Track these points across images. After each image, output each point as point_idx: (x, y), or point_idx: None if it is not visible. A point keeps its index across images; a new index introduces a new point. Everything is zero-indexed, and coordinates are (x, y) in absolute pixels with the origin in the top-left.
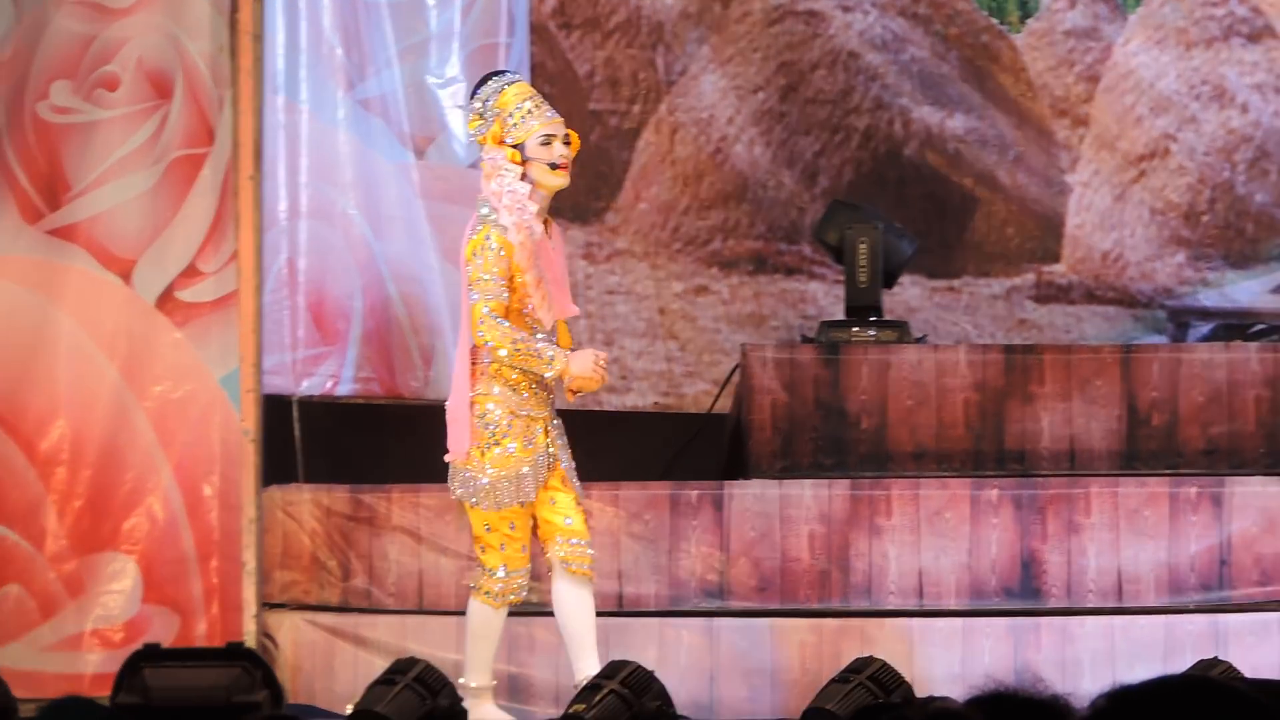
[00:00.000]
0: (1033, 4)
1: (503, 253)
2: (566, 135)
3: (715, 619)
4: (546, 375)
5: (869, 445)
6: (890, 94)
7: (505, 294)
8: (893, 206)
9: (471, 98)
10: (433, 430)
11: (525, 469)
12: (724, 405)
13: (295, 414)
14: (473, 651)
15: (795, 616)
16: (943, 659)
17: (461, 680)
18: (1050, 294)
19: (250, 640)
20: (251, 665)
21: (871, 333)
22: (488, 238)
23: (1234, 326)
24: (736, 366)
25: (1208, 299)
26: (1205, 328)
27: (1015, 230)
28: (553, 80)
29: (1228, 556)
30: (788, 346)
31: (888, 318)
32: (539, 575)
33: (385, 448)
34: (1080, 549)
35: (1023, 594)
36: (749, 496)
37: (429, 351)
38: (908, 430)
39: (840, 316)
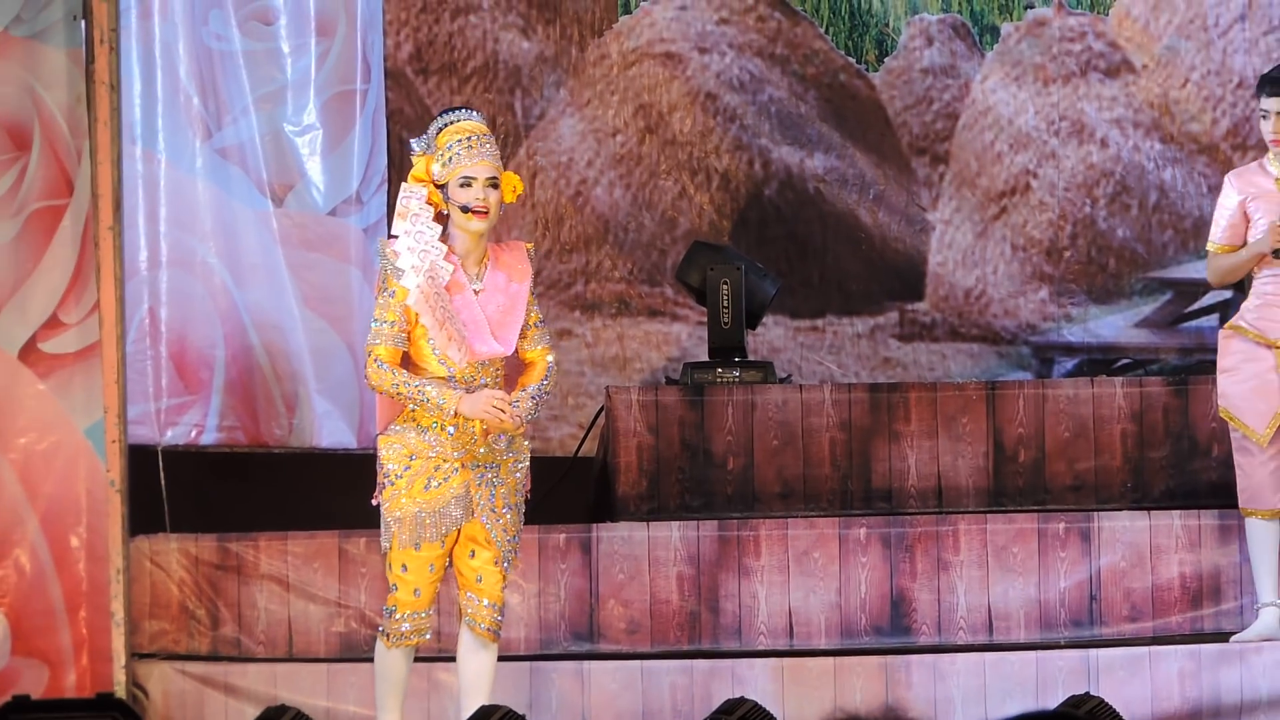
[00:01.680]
0: (890, 42)
1: (395, 295)
2: (494, 179)
3: (586, 662)
4: (448, 414)
5: (736, 486)
6: (749, 134)
7: (398, 339)
8: (754, 247)
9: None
10: (299, 477)
11: (417, 511)
12: (590, 448)
13: (160, 463)
14: (377, 692)
15: (666, 658)
16: (814, 698)
17: None
18: (914, 332)
19: (120, 690)
20: (122, 715)
21: (736, 373)
22: (383, 281)
23: (1098, 361)
24: (601, 409)
25: (1072, 334)
26: (1070, 363)
27: (877, 268)
28: (410, 126)
29: (1097, 591)
30: (652, 388)
31: (752, 358)
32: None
33: (251, 496)
34: (949, 586)
35: (893, 632)
36: (617, 539)
37: (292, 399)
38: (774, 470)
39: (704, 358)
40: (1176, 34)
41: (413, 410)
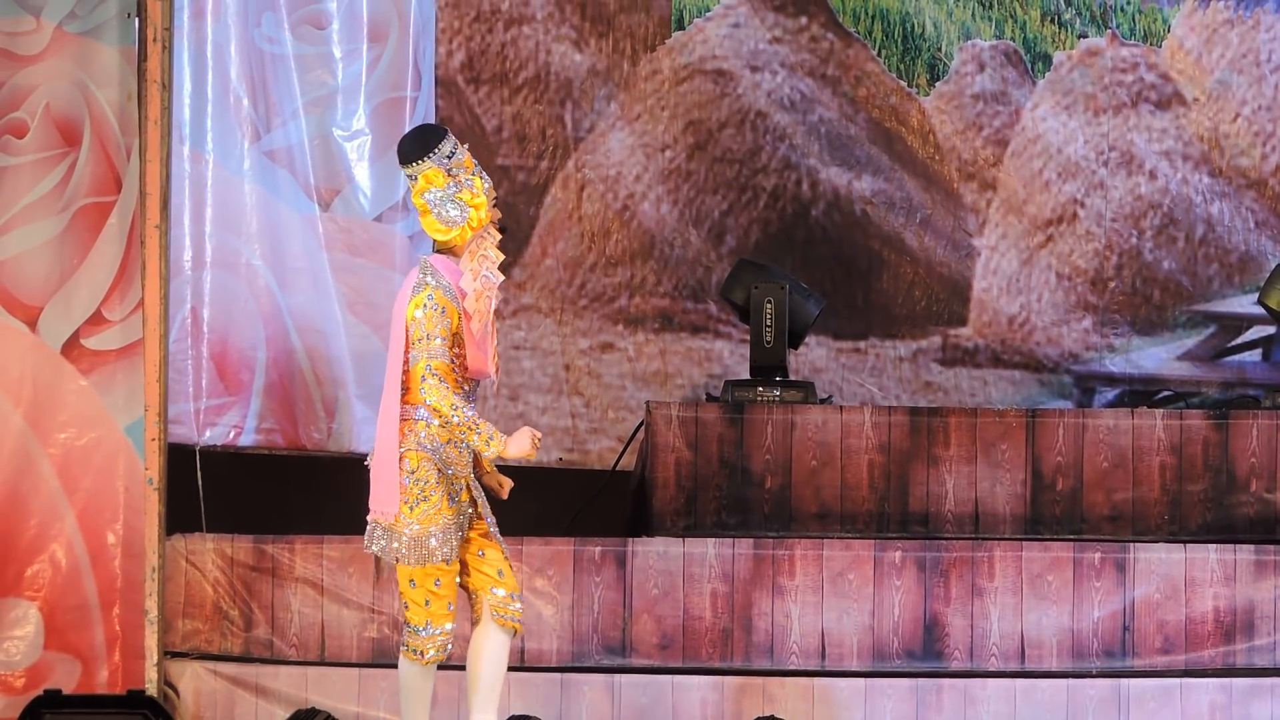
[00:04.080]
0: (941, 67)
1: (445, 312)
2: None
3: (617, 675)
4: (484, 455)
5: (773, 505)
6: (798, 154)
7: (448, 355)
8: (799, 267)
9: (427, 152)
10: (336, 482)
11: (450, 526)
12: (628, 462)
13: (199, 463)
14: (405, 710)
15: (697, 674)
16: (843, 719)
17: None
18: (956, 357)
19: (152, 689)
20: (152, 713)
21: (776, 392)
22: (429, 297)
23: (1139, 393)
24: (641, 424)
25: (1114, 365)
26: (1111, 393)
27: (922, 292)
28: (460, 135)
29: (1130, 622)
30: (693, 405)
31: (793, 378)
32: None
33: (288, 498)
34: (983, 612)
35: (925, 656)
36: (652, 554)
37: (332, 404)
38: (812, 490)
39: (745, 376)
40: (1229, 68)
41: (426, 426)
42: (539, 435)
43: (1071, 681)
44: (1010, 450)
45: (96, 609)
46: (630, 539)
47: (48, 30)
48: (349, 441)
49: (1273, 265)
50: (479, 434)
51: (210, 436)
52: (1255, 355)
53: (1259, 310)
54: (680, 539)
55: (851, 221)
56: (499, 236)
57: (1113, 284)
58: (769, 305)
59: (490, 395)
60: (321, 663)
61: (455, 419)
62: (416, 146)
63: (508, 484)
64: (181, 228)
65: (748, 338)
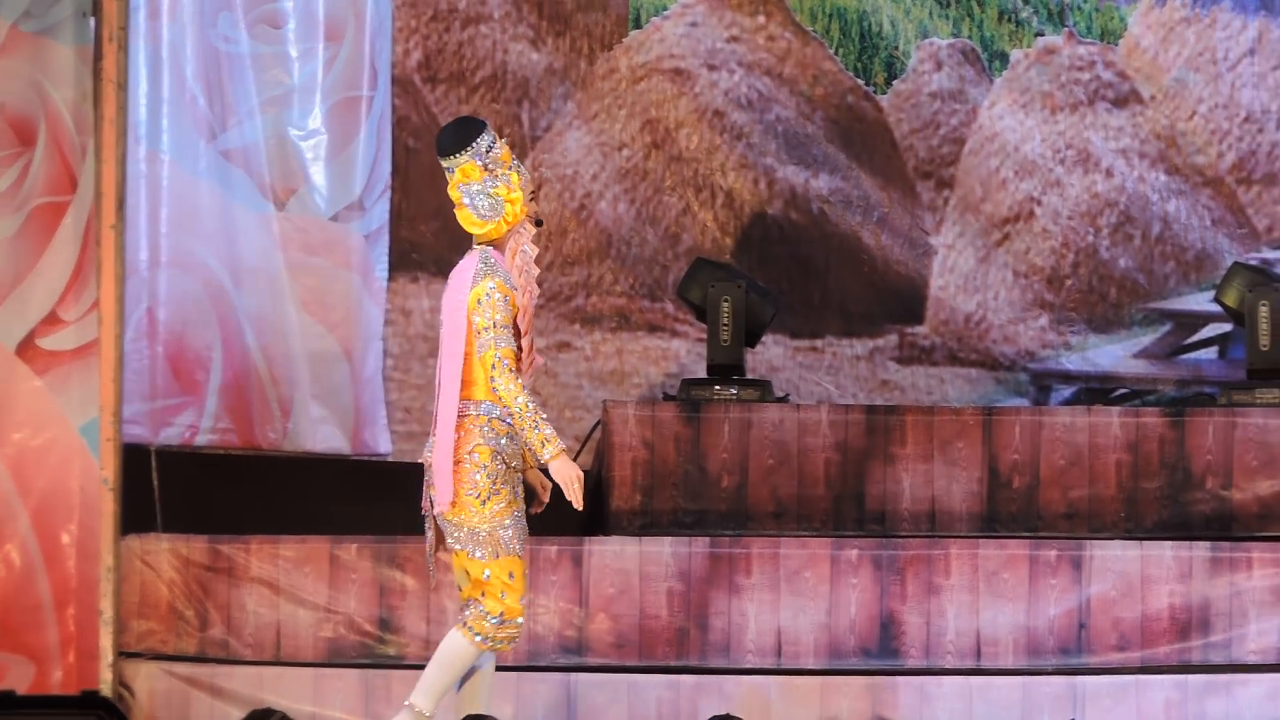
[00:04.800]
0: (899, 65)
1: (507, 301)
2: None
3: (573, 674)
4: (542, 456)
5: (729, 503)
6: (755, 153)
7: (514, 344)
8: (756, 265)
9: (464, 146)
10: (292, 481)
11: (520, 516)
12: (585, 461)
13: (154, 463)
14: (434, 676)
15: (653, 673)
16: (800, 717)
17: (408, 701)
18: (913, 355)
19: (106, 689)
20: (107, 714)
21: (733, 391)
22: (492, 286)
23: (1096, 390)
24: (598, 423)
25: (1070, 363)
26: (1067, 391)
27: (878, 291)
28: (416, 134)
29: (1086, 620)
30: (649, 404)
31: (750, 376)
32: (399, 629)
33: (244, 498)
34: (939, 610)
35: (881, 654)
36: (609, 553)
37: (287, 403)
38: (768, 489)
39: (702, 374)
40: (1185, 66)
41: (488, 420)
42: (580, 477)
43: (1027, 679)
44: (966, 448)
45: (50, 609)
46: (587, 538)
47: (2, 29)
48: (304, 441)
49: (1229, 263)
50: (539, 432)
51: (165, 436)
52: (1211, 353)
53: (1215, 308)
54: (637, 538)
55: (808, 220)
56: (535, 231)
57: (1069, 282)
58: (726, 304)
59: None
60: (277, 663)
61: (522, 410)
62: (455, 140)
63: (547, 486)
64: (137, 228)
65: (705, 336)
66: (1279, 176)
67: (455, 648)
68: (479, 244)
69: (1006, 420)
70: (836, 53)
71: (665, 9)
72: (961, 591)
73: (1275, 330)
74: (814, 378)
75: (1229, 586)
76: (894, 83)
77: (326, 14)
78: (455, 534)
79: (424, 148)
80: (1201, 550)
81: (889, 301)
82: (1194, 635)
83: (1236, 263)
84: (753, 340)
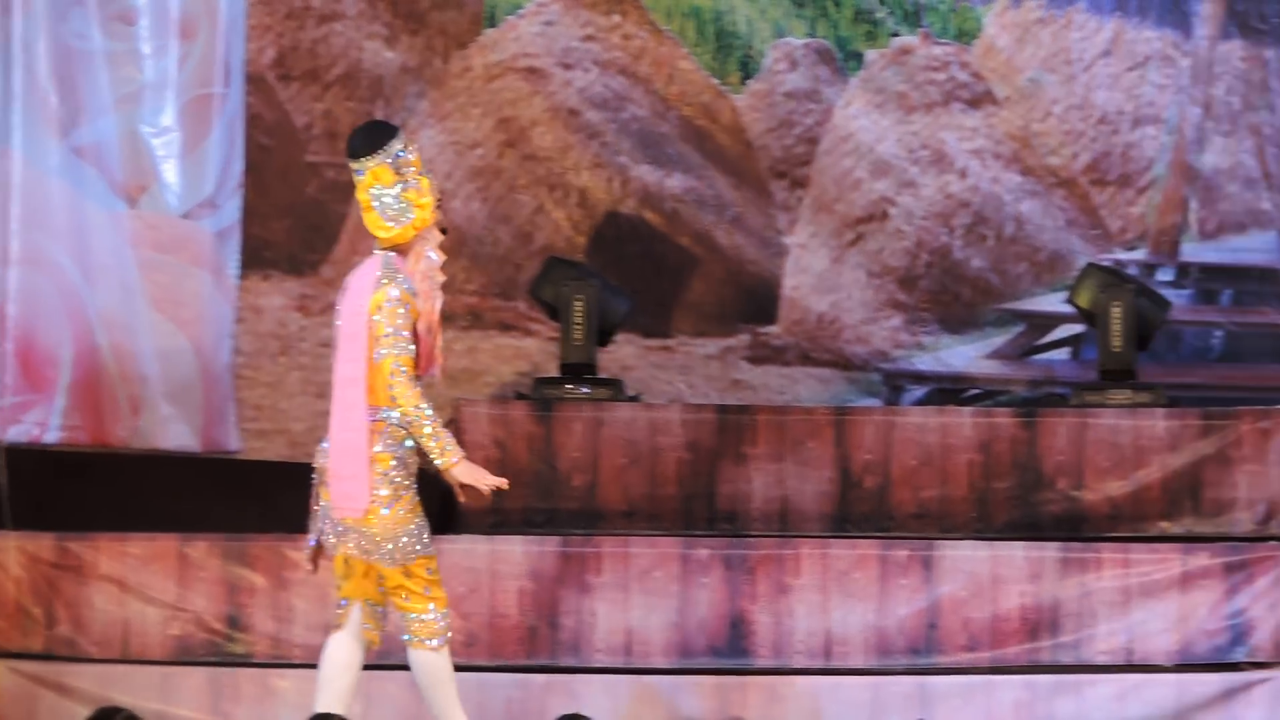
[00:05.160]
0: (754, 64)
1: (408, 308)
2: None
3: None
4: (441, 463)
5: (581, 502)
6: (609, 152)
7: (413, 351)
8: (609, 264)
9: (376, 149)
10: (141, 479)
11: (424, 516)
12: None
13: (2, 461)
14: (438, 700)
15: (503, 672)
16: (650, 716)
17: None
18: (765, 355)
19: None
20: None
21: (585, 390)
22: (394, 293)
23: (948, 391)
24: (450, 421)
25: (922, 363)
26: (919, 392)
27: (731, 290)
28: (270, 132)
29: (936, 620)
30: (501, 402)
31: (602, 375)
32: (248, 627)
33: (93, 496)
34: (789, 609)
35: (731, 653)
36: (459, 551)
37: (137, 401)
38: (619, 488)
39: (555, 373)
40: (1040, 67)
41: (395, 429)
42: (490, 480)
43: (876, 679)
44: (818, 448)
45: None
46: (437, 536)
47: None
48: (154, 439)
49: (1082, 264)
50: (437, 440)
51: (14, 434)
52: (1064, 354)
53: (1068, 309)
54: (488, 537)
55: (662, 219)
56: (441, 237)
57: (922, 282)
58: (578, 303)
59: (298, 393)
60: (124, 661)
61: (419, 418)
62: (366, 143)
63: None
64: None
65: (557, 335)
66: (1133, 178)
67: (427, 665)
68: (381, 248)
69: (858, 420)
70: (692, 52)
71: (520, 7)
72: (812, 591)
73: (1127, 332)
74: (666, 377)
75: (1079, 587)
76: (749, 82)
77: (180, 11)
78: (360, 540)
79: (277, 146)
80: (1052, 551)
81: (742, 301)
82: (1043, 636)
83: (1089, 264)
84: (605, 339)
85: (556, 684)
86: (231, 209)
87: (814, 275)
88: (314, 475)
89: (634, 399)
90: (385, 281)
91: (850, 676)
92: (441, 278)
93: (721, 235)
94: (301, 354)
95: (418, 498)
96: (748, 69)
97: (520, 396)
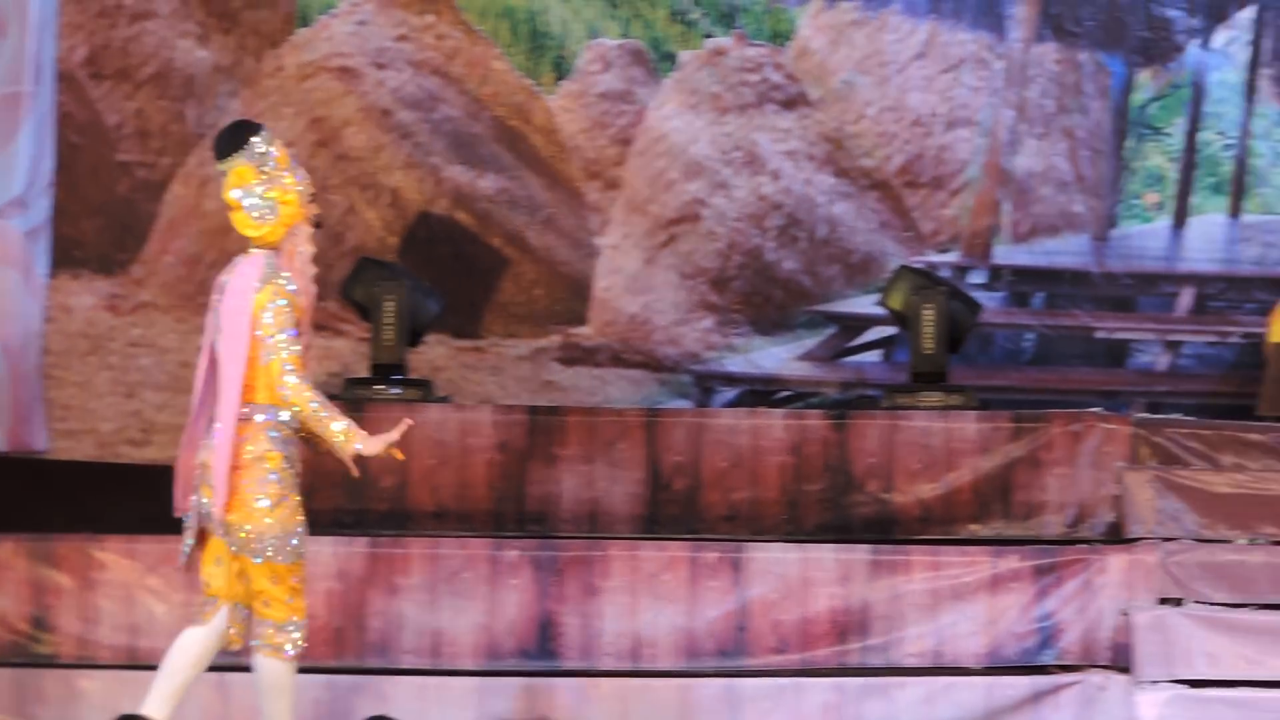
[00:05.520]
0: (567, 65)
1: (291, 306)
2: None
3: (228, 674)
4: (350, 447)
5: (390, 503)
6: (422, 152)
7: (300, 348)
8: (421, 265)
9: (238, 148)
10: None
11: (304, 521)
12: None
13: None
14: (277, 711)
15: (309, 673)
16: (457, 718)
17: None
18: (576, 356)
19: None
20: None
21: (395, 391)
22: (276, 292)
23: (759, 393)
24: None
25: (733, 365)
26: (730, 393)
27: (543, 291)
28: (81, 130)
29: (745, 622)
30: None
31: (412, 376)
32: (54, 628)
33: None
34: (598, 611)
35: (539, 654)
36: None
37: None
38: (429, 489)
39: (365, 374)
40: (854, 69)
41: (274, 424)
42: (389, 437)
43: (685, 681)
44: (629, 449)
45: None
46: None
47: None
48: None
49: (894, 266)
50: (337, 426)
51: None
52: (875, 356)
53: (880, 311)
54: None
55: (474, 220)
56: (312, 232)
57: (734, 284)
58: (389, 303)
59: (107, 393)
60: None
61: (316, 411)
62: (229, 143)
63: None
64: None
65: (368, 336)
66: (946, 180)
67: (275, 674)
68: (257, 248)
69: (669, 422)
70: (506, 52)
71: (333, 7)
72: (621, 593)
73: (939, 334)
74: (477, 378)
75: (889, 590)
76: (562, 83)
77: None
78: (240, 539)
79: (88, 145)
80: (862, 553)
81: (553, 302)
82: (853, 638)
83: (902, 266)
84: (416, 340)
85: (364, 685)
86: (41, 208)
87: (626, 276)
88: (198, 475)
89: (444, 400)
90: (269, 282)
91: (659, 679)
92: (313, 270)
93: (533, 236)
94: (111, 354)
95: (299, 500)
96: (561, 70)
97: (331, 397)
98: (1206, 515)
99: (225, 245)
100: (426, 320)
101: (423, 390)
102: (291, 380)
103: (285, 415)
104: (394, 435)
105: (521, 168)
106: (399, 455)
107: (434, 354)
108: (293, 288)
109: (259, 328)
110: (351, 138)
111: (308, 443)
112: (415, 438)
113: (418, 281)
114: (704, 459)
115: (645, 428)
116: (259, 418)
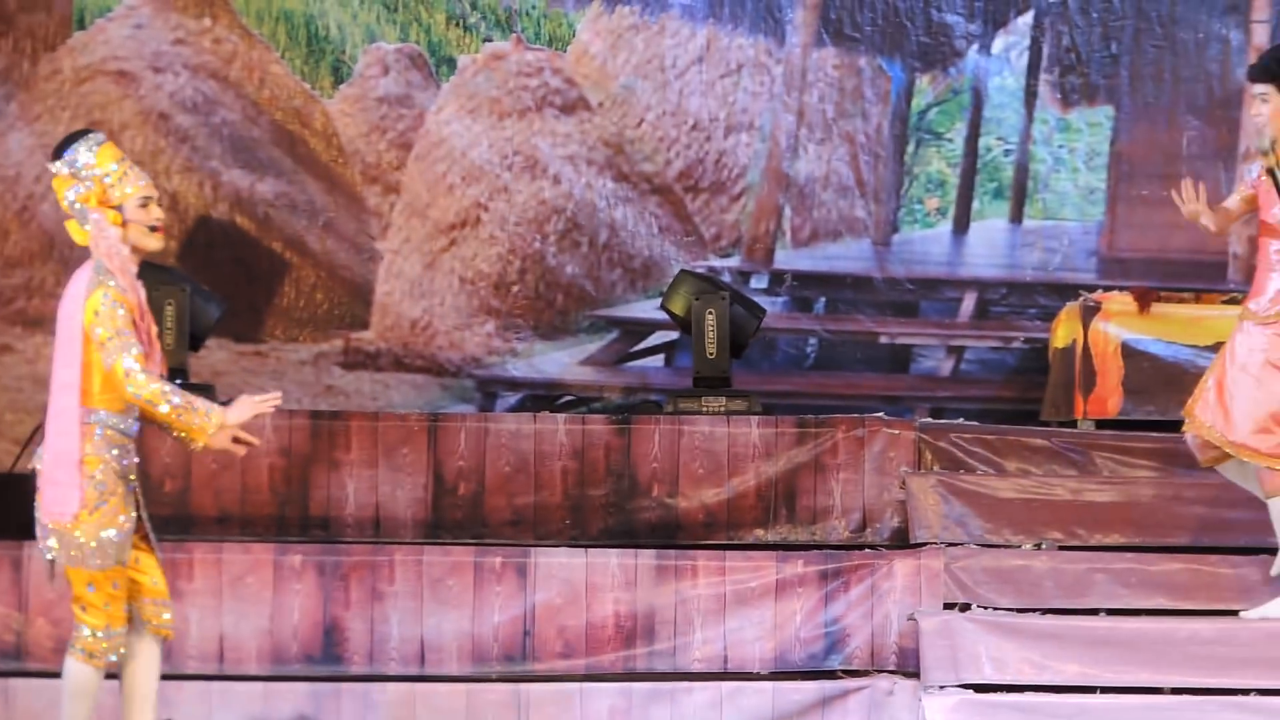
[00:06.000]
0: (345, 69)
1: (124, 307)
2: (159, 198)
3: (11, 680)
4: (212, 428)
5: (173, 508)
6: (200, 156)
7: (141, 347)
8: (201, 269)
9: (56, 157)
10: None
11: (128, 527)
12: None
13: None
14: (72, 712)
15: None
16: None
17: None
18: (358, 360)
19: None
20: None
21: None
22: (106, 295)
23: (542, 397)
24: (38, 427)
25: (516, 369)
26: (513, 398)
27: (324, 296)
28: None
29: (531, 627)
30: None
31: (194, 380)
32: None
33: None
34: (383, 616)
35: (324, 659)
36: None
37: None
38: (212, 494)
39: None
40: (634, 73)
41: (103, 429)
42: (261, 401)
43: (471, 685)
44: (412, 454)
45: None
46: (26, 543)
47: None
48: None
49: (675, 271)
50: (196, 414)
51: None
52: (658, 360)
53: (662, 316)
54: None
55: (254, 224)
56: (148, 232)
57: (516, 288)
58: (169, 308)
59: None
60: None
61: (171, 410)
62: (54, 151)
63: (244, 436)
64: None
65: None
66: (727, 185)
67: (80, 679)
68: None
69: (452, 427)
70: (284, 56)
71: (109, 10)
72: (406, 598)
73: (721, 339)
74: (258, 382)
75: (674, 595)
76: (341, 87)
77: None
78: (64, 544)
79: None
80: (647, 558)
81: (335, 306)
82: (639, 643)
83: (683, 271)
84: (196, 344)
85: None
86: None
87: (407, 281)
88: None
89: (226, 404)
90: (97, 285)
91: (445, 684)
92: (133, 268)
93: (314, 240)
94: None
95: (130, 510)
96: (340, 74)
97: None
98: (991, 520)
99: (4, 249)
100: (207, 325)
101: (205, 395)
102: (136, 382)
103: (115, 419)
104: (264, 399)
105: (301, 172)
106: (254, 441)
107: (215, 358)
108: (121, 286)
109: (94, 333)
110: (129, 142)
111: (180, 440)
112: None
113: (198, 286)
114: (488, 463)
115: (428, 432)
116: (89, 420)
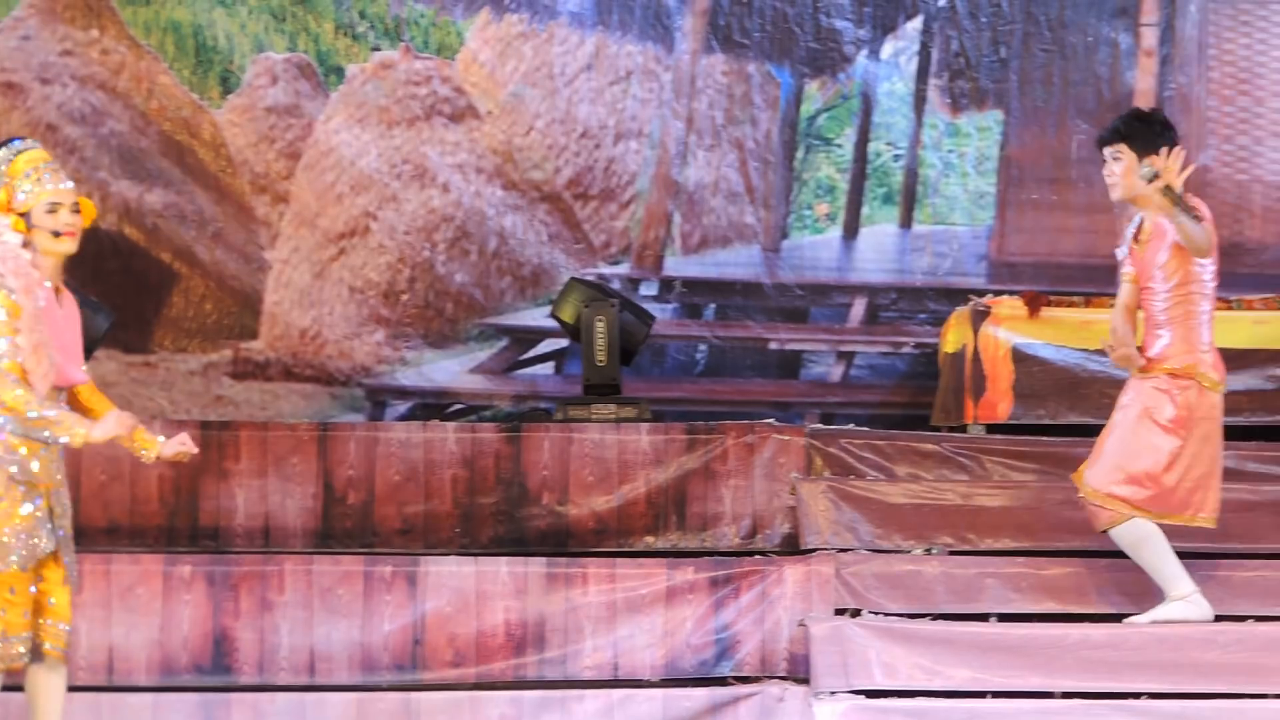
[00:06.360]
0: (234, 79)
1: (8, 312)
2: (76, 204)
3: None
4: (77, 442)
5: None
6: (89, 167)
7: (17, 354)
8: (89, 280)
9: None
10: None
11: (22, 530)
12: None
13: None
14: None
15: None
16: None
17: None
18: (248, 370)
19: None
20: None
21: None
22: None
23: (432, 406)
24: None
25: (406, 378)
26: (403, 407)
27: (213, 306)
28: None
29: (421, 635)
30: None
31: None
32: None
33: None
34: (273, 626)
35: (214, 670)
36: None
37: None
38: (101, 505)
39: None
40: (522, 81)
41: (9, 436)
42: (129, 421)
43: (361, 695)
44: (301, 464)
45: None
46: None
47: None
48: None
49: (565, 278)
50: (62, 428)
51: None
52: (548, 368)
53: (552, 323)
54: None
55: (143, 235)
56: (52, 237)
57: (405, 297)
58: None
59: None
60: None
61: (36, 420)
62: None
63: (177, 439)
64: None
65: None
66: (616, 192)
67: None
68: None
69: (341, 436)
70: (172, 66)
71: None
72: (296, 608)
73: (611, 346)
74: (148, 393)
75: (565, 602)
76: (229, 97)
77: None
78: None
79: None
80: (537, 566)
81: (224, 316)
82: (529, 651)
83: (573, 278)
84: (86, 355)
85: None
86: None
87: (296, 290)
88: None
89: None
90: None
91: (335, 693)
92: (36, 274)
93: (202, 251)
94: None
95: (32, 513)
96: (228, 84)
97: None
98: (882, 525)
99: None
100: (96, 335)
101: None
102: (5, 387)
103: (6, 423)
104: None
105: (190, 182)
106: (193, 449)
107: (104, 369)
108: (11, 291)
109: None
110: None
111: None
112: (85, 453)
113: (86, 297)
114: (377, 472)
115: (318, 441)
116: None
